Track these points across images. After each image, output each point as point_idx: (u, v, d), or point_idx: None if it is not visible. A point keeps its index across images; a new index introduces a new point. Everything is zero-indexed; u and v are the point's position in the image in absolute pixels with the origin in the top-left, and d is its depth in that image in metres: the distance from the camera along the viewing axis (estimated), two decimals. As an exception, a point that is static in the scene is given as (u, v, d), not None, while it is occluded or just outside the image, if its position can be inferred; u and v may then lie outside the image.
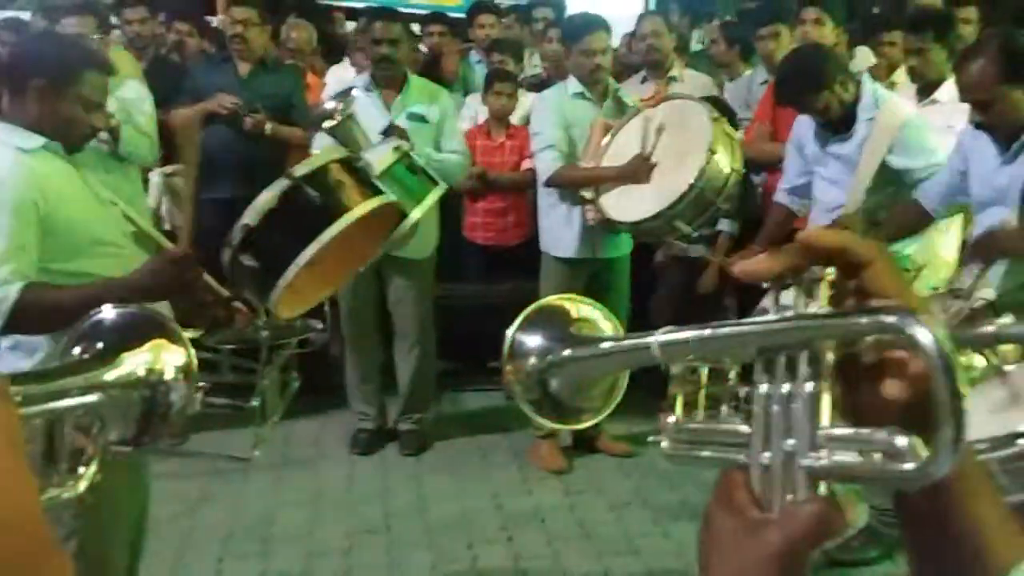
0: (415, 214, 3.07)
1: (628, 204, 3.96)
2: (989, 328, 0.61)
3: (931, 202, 3.27)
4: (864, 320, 0.59)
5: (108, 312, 1.13)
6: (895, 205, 3.51)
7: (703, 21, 6.62)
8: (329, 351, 4.91)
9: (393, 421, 4.56)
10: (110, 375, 1.06)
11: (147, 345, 1.10)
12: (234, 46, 4.81)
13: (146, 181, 4.71)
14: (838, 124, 3.58)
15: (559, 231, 4.24)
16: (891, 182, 3.54)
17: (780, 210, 3.96)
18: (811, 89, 3.50)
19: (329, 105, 3.74)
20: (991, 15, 5.66)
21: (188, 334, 2.56)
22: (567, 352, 0.83)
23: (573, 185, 4.14)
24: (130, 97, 4.31)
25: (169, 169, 4.86)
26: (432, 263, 4.40)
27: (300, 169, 2.25)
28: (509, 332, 0.85)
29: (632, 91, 4.44)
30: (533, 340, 0.84)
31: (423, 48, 5.69)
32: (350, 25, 6.36)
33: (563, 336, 0.84)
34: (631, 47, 5.39)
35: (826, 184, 3.68)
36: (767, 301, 0.69)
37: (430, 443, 4.56)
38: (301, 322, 4.08)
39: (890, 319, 0.57)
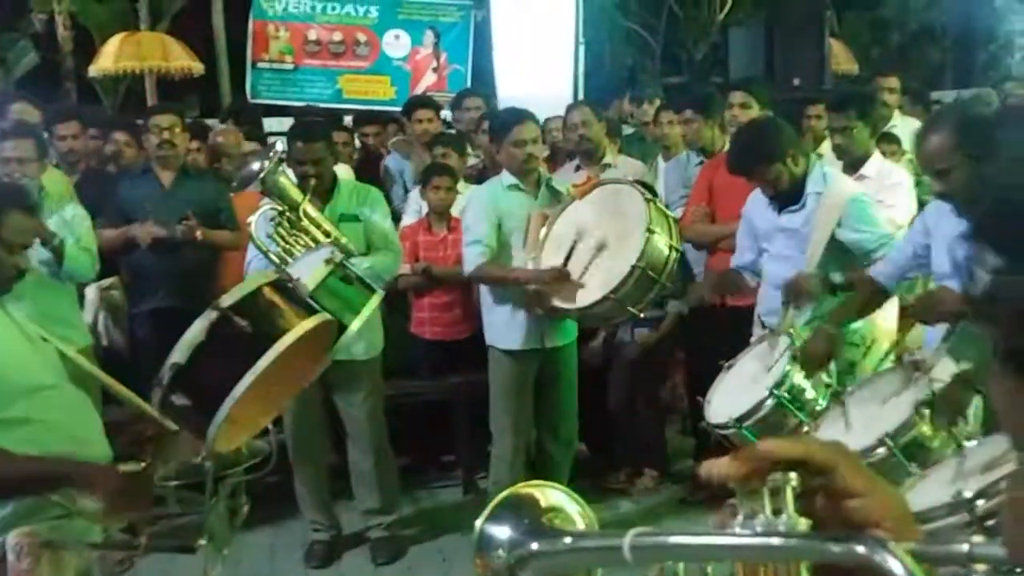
0: (354, 325, 3.02)
1: (573, 291, 3.95)
2: (962, 548, 0.61)
3: (887, 278, 3.24)
4: (836, 548, 0.60)
5: None
6: (853, 281, 3.48)
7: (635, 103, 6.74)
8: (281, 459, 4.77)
9: (363, 527, 4.41)
10: None
11: None
12: (161, 152, 4.78)
13: (81, 297, 4.61)
14: (786, 197, 3.63)
15: (504, 324, 4.21)
16: (841, 255, 3.58)
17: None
18: (764, 160, 3.55)
19: (255, 165, 3.70)
20: (905, 80, 5.89)
21: (130, 467, 2.46)
22: (536, 546, 0.81)
23: (492, 282, 4.18)
24: (69, 216, 4.26)
25: (105, 283, 4.78)
26: (379, 363, 4.32)
27: (227, 299, 2.19)
28: (477, 523, 0.84)
29: (567, 179, 4.46)
30: (502, 532, 0.83)
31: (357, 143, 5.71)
32: (267, 121, 6.34)
33: (532, 528, 0.83)
34: (564, 134, 5.43)
35: (775, 261, 3.71)
36: (734, 501, 0.69)
37: (404, 548, 4.39)
38: (247, 447, 3.96)
39: (861, 549, 0.58)
